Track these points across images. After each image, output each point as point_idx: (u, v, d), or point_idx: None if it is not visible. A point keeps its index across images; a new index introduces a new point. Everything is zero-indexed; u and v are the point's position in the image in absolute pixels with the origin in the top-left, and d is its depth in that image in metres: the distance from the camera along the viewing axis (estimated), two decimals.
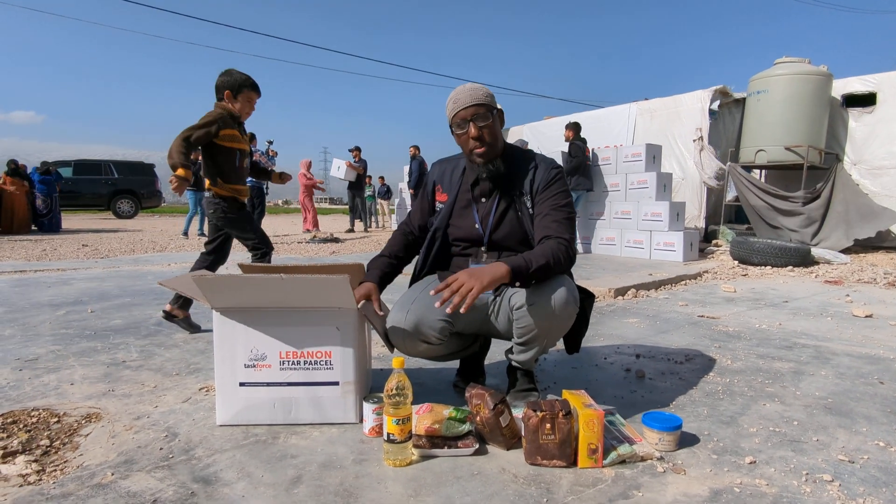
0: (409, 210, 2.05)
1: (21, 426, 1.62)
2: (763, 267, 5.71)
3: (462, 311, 1.39)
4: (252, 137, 9.08)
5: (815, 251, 6.06)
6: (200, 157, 9.87)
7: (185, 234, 9.94)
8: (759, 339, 2.76)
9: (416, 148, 11.08)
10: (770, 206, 7.14)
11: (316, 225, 11.22)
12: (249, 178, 9.24)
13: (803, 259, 5.76)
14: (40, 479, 1.31)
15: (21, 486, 1.28)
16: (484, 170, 1.71)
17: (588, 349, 2.53)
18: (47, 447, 1.48)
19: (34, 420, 1.66)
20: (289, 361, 1.61)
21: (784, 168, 7.79)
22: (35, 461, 1.40)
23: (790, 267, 5.66)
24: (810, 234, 6.85)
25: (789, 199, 7.10)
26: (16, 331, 2.79)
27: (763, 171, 8.40)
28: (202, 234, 10.05)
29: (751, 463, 1.42)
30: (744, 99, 8.05)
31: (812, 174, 7.33)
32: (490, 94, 1.68)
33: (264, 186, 9.18)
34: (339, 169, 11.10)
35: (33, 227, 11.13)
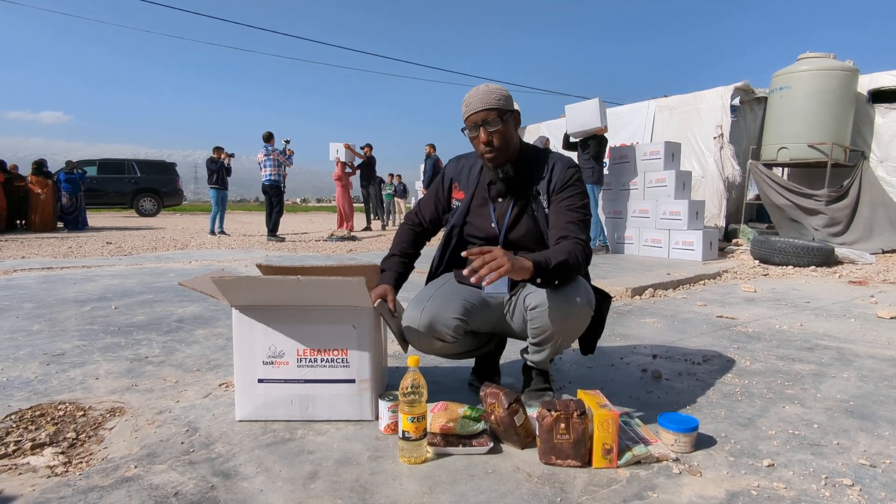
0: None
1: (49, 419, 1.67)
2: (785, 267, 5.62)
3: (484, 284, 1.36)
4: (270, 136, 9.13)
5: (840, 251, 5.93)
6: (224, 157, 9.98)
7: (213, 232, 10.08)
8: (780, 341, 2.72)
9: (432, 147, 11.10)
10: (793, 205, 7.01)
11: (343, 225, 10.96)
12: (268, 176, 9.30)
13: (826, 259, 5.64)
14: (67, 471, 1.35)
15: (49, 477, 1.33)
16: (494, 174, 1.72)
17: (604, 349, 2.52)
18: (73, 440, 1.53)
19: (61, 413, 1.71)
20: (306, 359, 1.64)
21: (807, 166, 7.64)
22: (62, 453, 1.44)
23: (813, 267, 5.55)
24: (834, 234, 6.71)
25: (813, 198, 6.96)
26: (43, 326, 2.88)
27: (785, 169, 8.25)
28: (222, 233, 10.18)
29: (769, 466, 1.40)
30: (766, 96, 7.90)
31: (836, 172, 7.17)
32: (505, 97, 1.66)
33: (281, 185, 9.26)
34: (338, 152, 10.90)
35: (59, 225, 11.43)
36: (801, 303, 3.77)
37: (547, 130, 10.50)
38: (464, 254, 1.44)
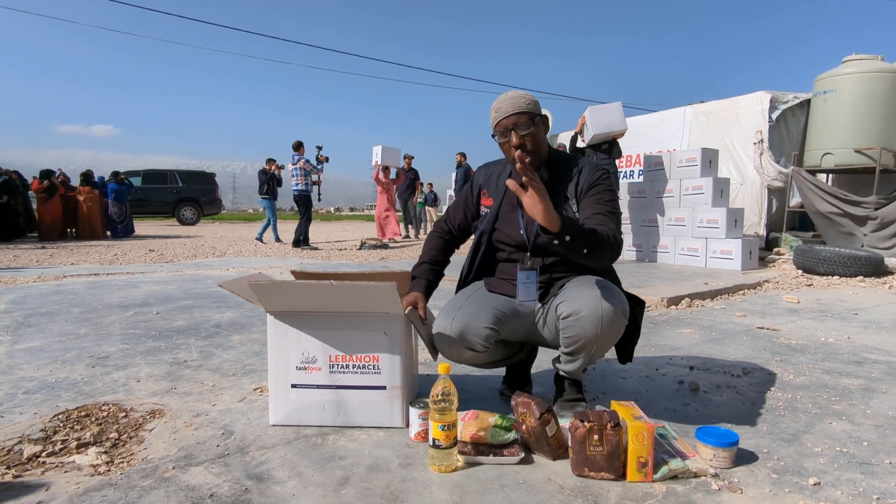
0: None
1: (93, 419, 1.73)
2: (830, 277, 5.39)
3: (523, 168, 1.32)
4: (299, 146, 9.25)
5: (890, 260, 5.66)
6: (274, 168, 10.24)
7: (278, 240, 10.30)
8: (825, 353, 2.61)
9: (463, 155, 11.13)
10: (842, 212, 6.72)
11: (381, 233, 10.70)
12: (295, 186, 9.42)
13: (875, 268, 5.39)
14: (109, 470, 1.40)
15: (92, 475, 1.37)
16: None
17: (639, 359, 2.46)
18: (116, 440, 1.58)
19: (104, 414, 1.78)
20: (338, 365, 1.66)
21: (853, 172, 7.33)
22: (105, 452, 1.49)
23: (860, 277, 5.31)
24: (884, 244, 6.40)
25: (861, 205, 6.67)
26: (90, 330, 3.00)
27: (830, 176, 7.93)
28: (278, 241, 10.35)
29: (815, 484, 1.34)
30: (808, 100, 7.64)
31: (886, 178, 6.86)
32: (533, 101, 1.67)
33: (311, 194, 9.35)
34: (376, 154, 10.46)
35: (108, 234, 11.94)
36: (849, 314, 3.61)
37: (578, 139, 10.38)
38: (519, 164, 1.36)
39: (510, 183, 1.35)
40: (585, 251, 1.47)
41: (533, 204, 1.36)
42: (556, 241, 1.42)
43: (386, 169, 10.61)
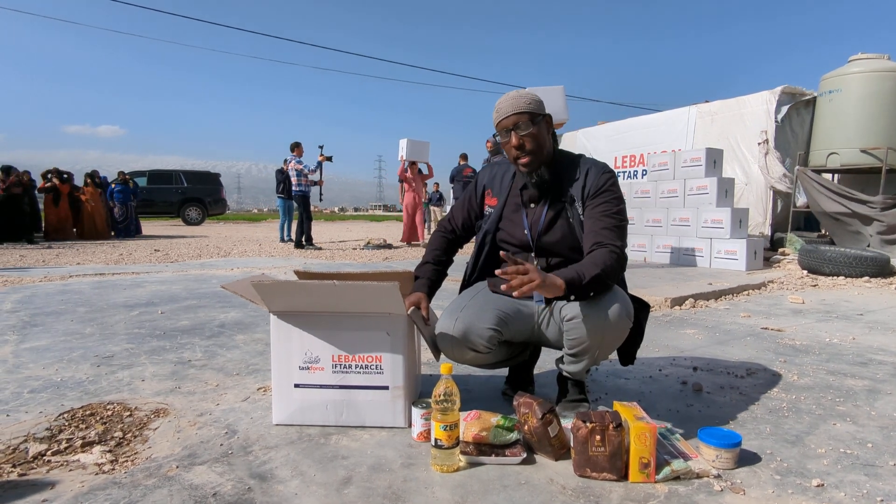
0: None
1: (98, 418, 1.74)
2: (835, 277, 5.36)
3: (514, 295, 1.39)
4: (294, 146, 9.24)
5: None
6: (289, 168, 10.28)
7: (283, 240, 10.40)
8: (830, 354, 2.60)
9: (464, 156, 11.11)
10: (850, 212, 6.68)
11: (411, 238, 10.05)
12: (293, 186, 9.38)
13: (882, 269, 5.36)
14: (113, 469, 1.41)
15: (97, 474, 1.38)
16: (529, 178, 1.71)
17: (642, 360, 2.46)
18: (120, 439, 1.59)
19: (109, 413, 1.79)
20: (341, 365, 1.66)
21: (859, 172, 7.30)
22: (109, 451, 1.50)
23: (866, 277, 5.28)
24: (887, 248, 6.37)
25: (867, 204, 6.63)
26: (95, 329, 3.01)
27: (835, 176, 7.89)
28: (290, 240, 10.36)
29: (818, 486, 1.34)
30: (814, 99, 7.60)
31: (892, 178, 6.82)
32: (535, 101, 1.66)
33: (308, 194, 9.33)
34: (403, 148, 9.65)
35: (112, 234, 11.99)
36: (854, 315, 3.59)
37: (584, 138, 10.37)
38: (502, 254, 1.47)
39: (499, 272, 1.41)
40: (592, 294, 1.54)
41: (529, 283, 1.40)
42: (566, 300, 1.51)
43: (413, 164, 9.82)
